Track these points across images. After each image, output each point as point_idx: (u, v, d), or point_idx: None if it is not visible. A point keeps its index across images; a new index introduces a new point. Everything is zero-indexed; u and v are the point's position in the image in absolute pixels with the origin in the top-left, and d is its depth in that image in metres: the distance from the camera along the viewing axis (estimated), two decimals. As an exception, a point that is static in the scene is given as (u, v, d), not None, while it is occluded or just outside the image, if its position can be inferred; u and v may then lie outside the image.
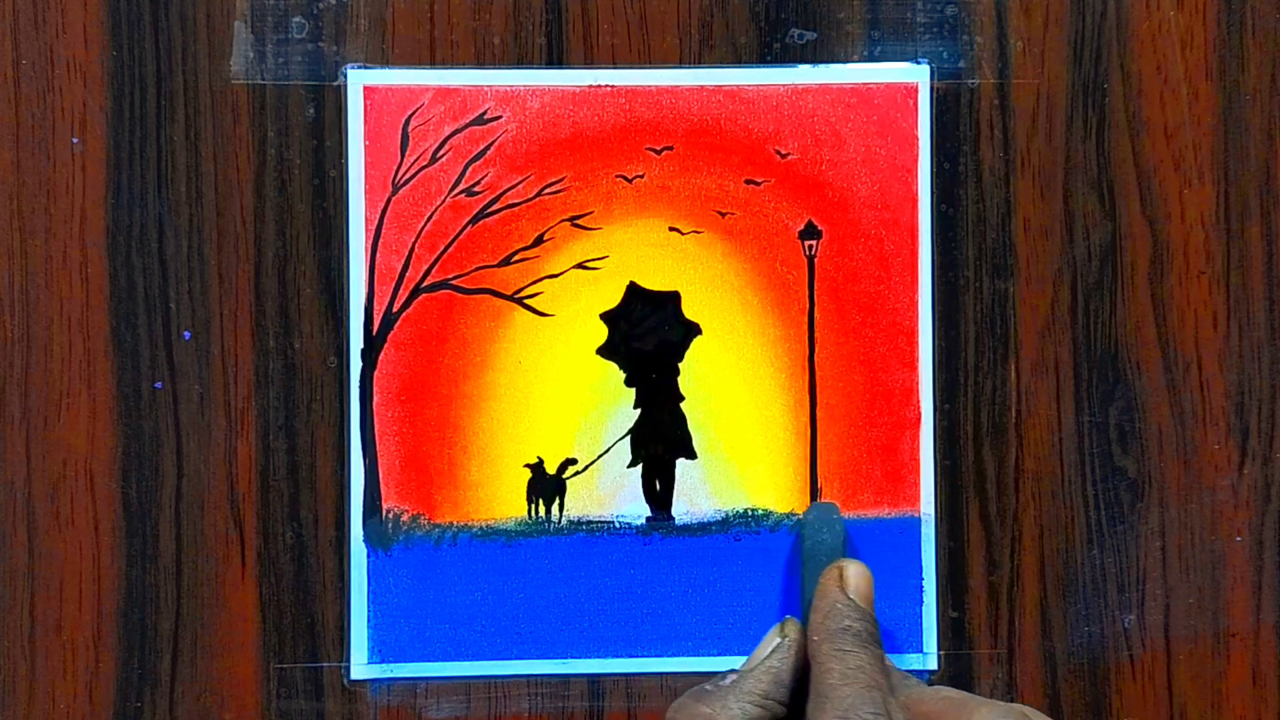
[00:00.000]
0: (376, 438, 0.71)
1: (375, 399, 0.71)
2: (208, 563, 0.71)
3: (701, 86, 0.71)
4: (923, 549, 0.71)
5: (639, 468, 0.71)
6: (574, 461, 0.71)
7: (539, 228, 0.71)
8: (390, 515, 0.71)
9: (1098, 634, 0.72)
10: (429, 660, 0.71)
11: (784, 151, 0.71)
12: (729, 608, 0.71)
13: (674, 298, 0.71)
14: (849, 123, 0.71)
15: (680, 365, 0.71)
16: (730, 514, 0.71)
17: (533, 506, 0.71)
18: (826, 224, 0.71)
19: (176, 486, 0.71)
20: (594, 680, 0.71)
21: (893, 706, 0.64)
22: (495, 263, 0.71)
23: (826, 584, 0.67)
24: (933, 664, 0.71)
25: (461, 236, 0.71)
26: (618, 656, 0.71)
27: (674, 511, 0.71)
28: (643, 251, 0.71)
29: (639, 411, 0.71)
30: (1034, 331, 0.72)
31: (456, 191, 0.71)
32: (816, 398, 0.71)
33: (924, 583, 0.71)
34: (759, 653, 0.67)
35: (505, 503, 0.71)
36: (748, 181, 0.71)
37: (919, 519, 0.71)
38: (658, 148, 0.71)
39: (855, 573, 0.67)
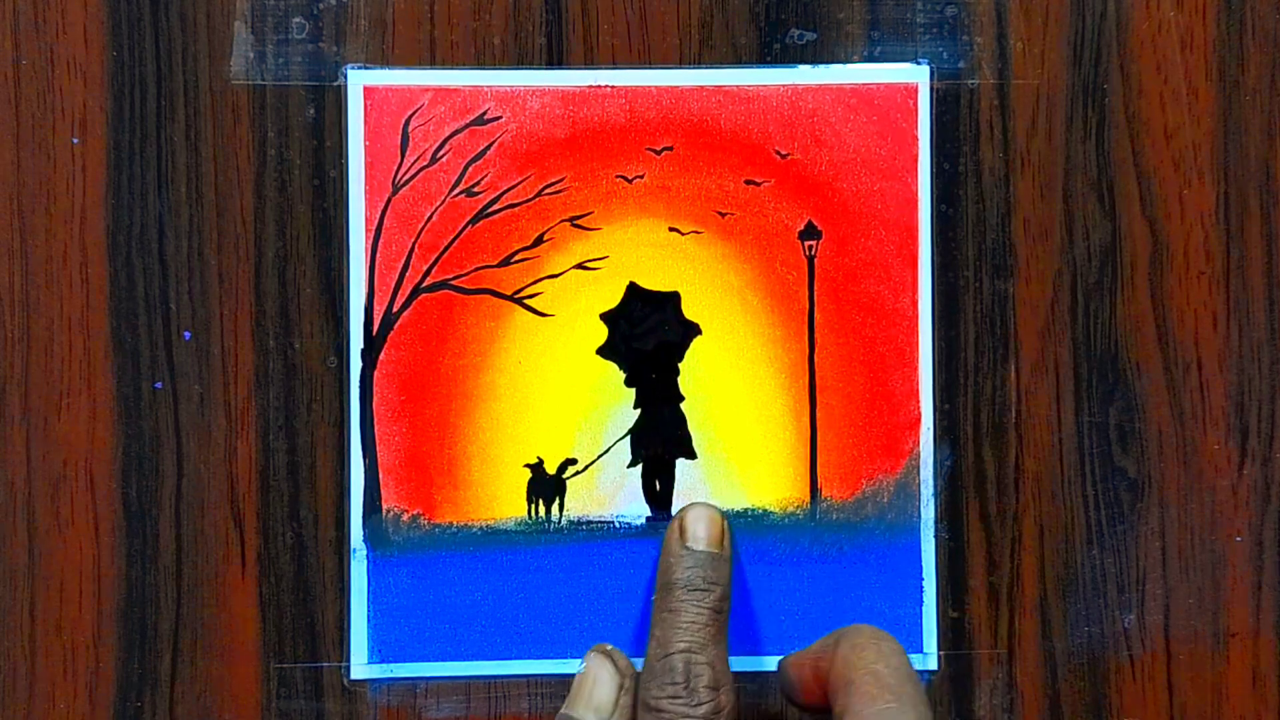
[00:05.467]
0: (376, 438, 0.71)
1: (375, 399, 0.71)
2: (208, 562, 0.71)
3: (701, 86, 0.71)
4: (923, 549, 0.71)
5: (639, 468, 0.71)
6: (574, 461, 0.71)
7: (539, 228, 0.71)
8: (390, 515, 0.71)
9: (1098, 634, 0.72)
10: (429, 660, 0.71)
11: (784, 151, 0.71)
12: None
13: (674, 298, 0.71)
14: (849, 123, 0.71)
15: (680, 365, 0.71)
16: (730, 514, 0.71)
17: (533, 506, 0.71)
18: (826, 224, 0.71)
19: (176, 486, 0.71)
20: (594, 680, 0.71)
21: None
22: (495, 263, 0.71)
23: (668, 537, 0.67)
24: (933, 664, 0.71)
25: (461, 237, 0.71)
26: (618, 656, 0.71)
27: (674, 511, 0.71)
28: (643, 251, 0.71)
29: (639, 411, 0.71)
30: (1034, 331, 0.72)
31: (456, 192, 0.71)
32: (816, 398, 0.71)
33: (924, 583, 0.71)
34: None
35: (505, 503, 0.71)
36: (748, 181, 0.71)
37: (919, 519, 0.71)
38: (658, 148, 0.71)
39: (693, 516, 0.67)
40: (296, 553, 0.71)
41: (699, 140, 0.71)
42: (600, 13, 0.71)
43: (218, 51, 0.71)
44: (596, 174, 0.71)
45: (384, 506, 0.71)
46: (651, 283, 0.71)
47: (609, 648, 0.68)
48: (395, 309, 0.71)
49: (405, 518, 0.71)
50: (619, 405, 0.71)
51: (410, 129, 0.71)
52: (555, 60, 0.71)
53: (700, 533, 0.67)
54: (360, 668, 0.71)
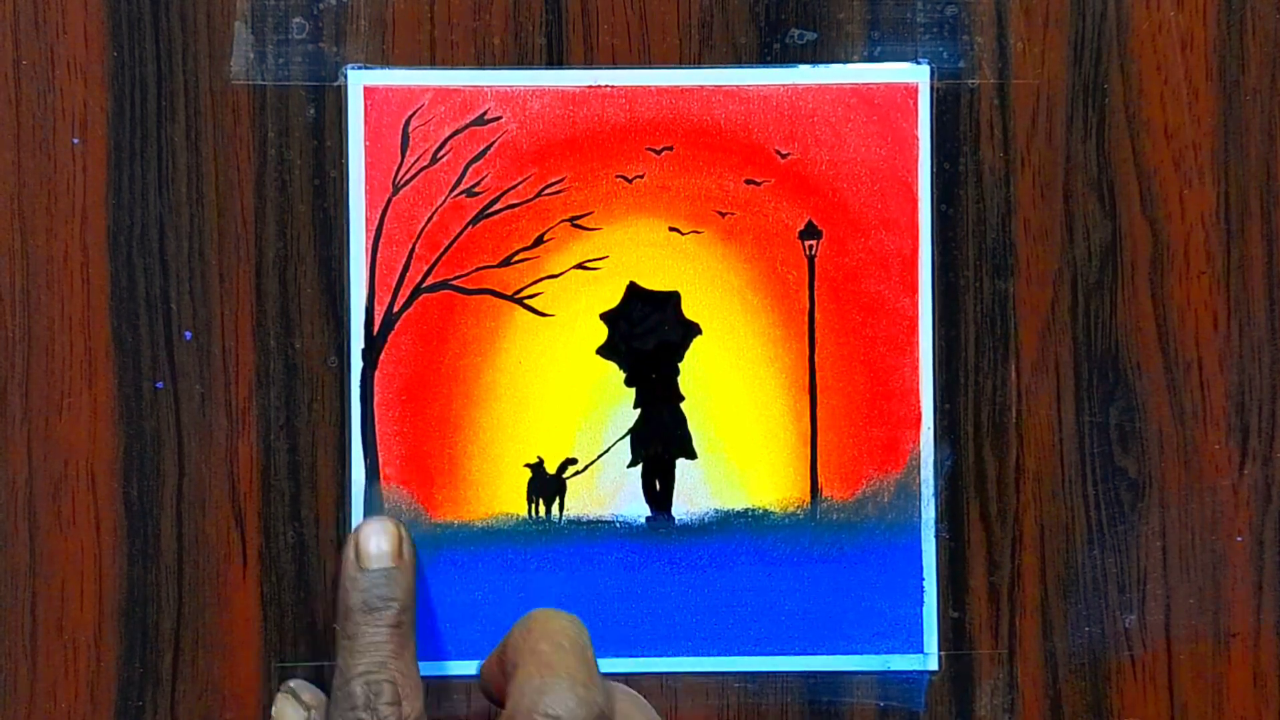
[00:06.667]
0: (377, 437, 0.71)
1: (376, 399, 0.71)
2: (209, 562, 0.71)
3: (701, 86, 0.71)
4: (923, 549, 0.71)
5: (639, 468, 0.71)
6: (574, 461, 0.71)
7: (539, 228, 0.71)
8: (390, 514, 0.71)
9: (1098, 634, 0.72)
10: (429, 660, 0.71)
11: (784, 151, 0.71)
12: (729, 608, 0.71)
13: (674, 298, 0.71)
14: (849, 123, 0.71)
15: (680, 365, 0.72)
16: (730, 514, 0.71)
17: (533, 506, 0.71)
18: (826, 224, 0.71)
19: (178, 486, 0.71)
20: (594, 680, 0.71)
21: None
22: (496, 263, 0.71)
23: (343, 560, 0.67)
24: (933, 664, 0.71)
25: (462, 237, 0.71)
26: (618, 656, 0.71)
27: (674, 511, 0.71)
28: (643, 251, 0.71)
29: (639, 411, 0.72)
30: (1034, 331, 0.71)
31: (457, 192, 0.71)
32: (816, 398, 0.71)
33: (924, 583, 0.71)
34: None
35: (505, 502, 0.71)
36: (748, 181, 0.71)
37: (919, 519, 0.71)
38: (658, 148, 0.71)
39: (365, 534, 0.67)
40: (298, 552, 0.71)
41: (699, 140, 0.71)
42: (600, 13, 0.71)
43: (218, 51, 0.71)
44: (596, 174, 0.71)
45: (384, 506, 0.71)
46: (651, 283, 0.71)
47: (293, 684, 0.68)
48: (396, 309, 0.71)
49: (405, 517, 0.71)
50: (619, 405, 0.71)
51: (410, 129, 0.71)
52: (555, 60, 0.71)
53: (373, 549, 0.67)
54: (361, 667, 0.71)
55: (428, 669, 0.71)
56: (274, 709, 0.68)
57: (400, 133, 0.71)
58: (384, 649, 0.64)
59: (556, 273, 0.71)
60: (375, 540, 0.67)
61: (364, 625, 0.65)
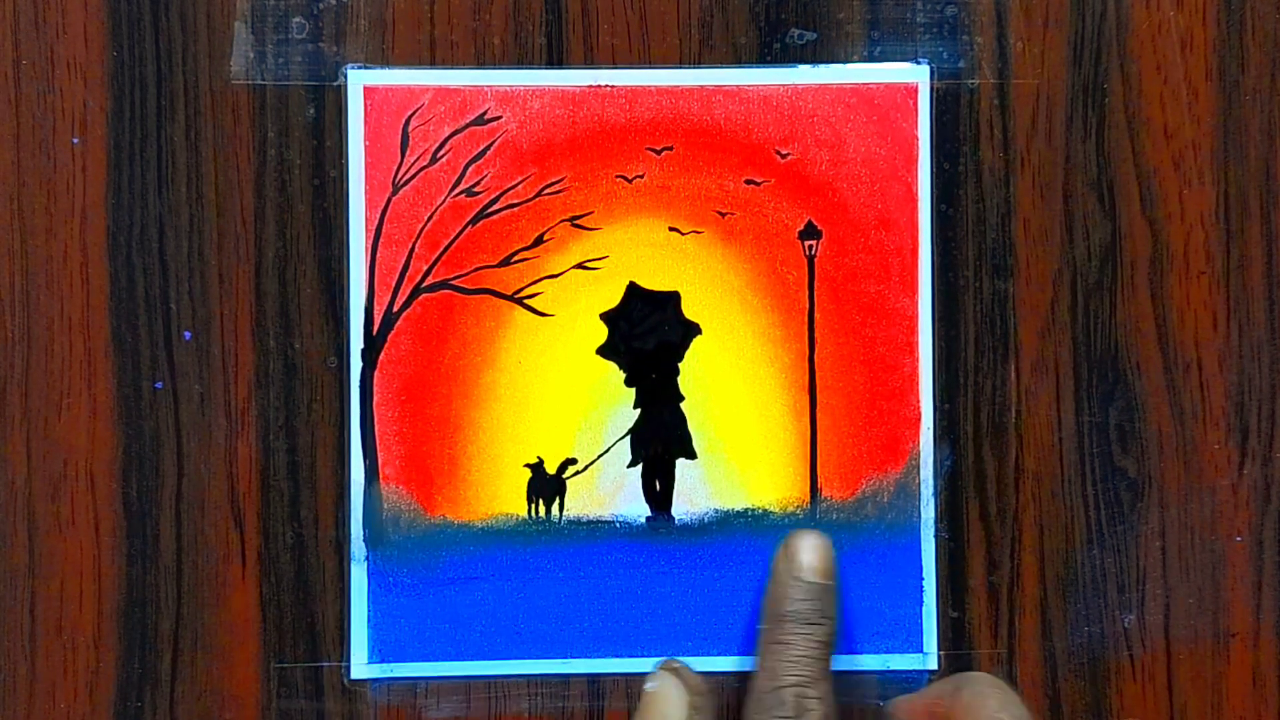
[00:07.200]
0: (377, 438, 0.71)
1: (375, 399, 0.71)
2: (208, 562, 0.71)
3: (701, 86, 0.71)
4: (923, 549, 0.71)
5: (639, 468, 0.71)
6: (574, 461, 0.71)
7: (539, 228, 0.71)
8: (390, 515, 0.71)
9: (1098, 634, 0.72)
10: (429, 660, 0.71)
11: (784, 151, 0.71)
12: (729, 607, 0.71)
13: (674, 298, 0.71)
14: (849, 123, 0.71)
15: (680, 365, 0.72)
16: (730, 514, 0.71)
17: (533, 506, 0.71)
18: (826, 224, 0.71)
19: (177, 486, 0.71)
20: (594, 680, 0.71)
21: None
22: (495, 263, 0.71)
23: (776, 565, 0.67)
24: (933, 664, 0.71)
25: (462, 237, 0.71)
26: (618, 656, 0.71)
27: (674, 511, 0.71)
28: (643, 251, 0.71)
29: (639, 411, 0.72)
30: (1034, 331, 0.72)
31: (457, 192, 0.71)
32: (816, 398, 0.71)
33: (924, 583, 0.71)
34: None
35: (505, 502, 0.71)
36: (748, 181, 0.71)
37: (919, 519, 0.71)
38: (658, 148, 0.71)
39: (804, 546, 0.67)
40: (297, 552, 0.71)
41: (699, 140, 0.71)
42: (600, 13, 0.71)
43: (218, 51, 0.71)
44: (596, 174, 0.71)
45: (384, 506, 0.71)
46: (651, 283, 0.71)
47: (677, 664, 0.68)
48: (395, 309, 0.71)
49: (405, 517, 0.71)
50: (619, 405, 0.71)
51: (410, 129, 0.71)
52: (555, 60, 0.71)
53: (815, 562, 0.67)
54: (360, 667, 0.71)
55: (428, 670, 0.71)
56: (655, 683, 0.67)
57: (400, 133, 0.71)
58: (816, 665, 0.65)
59: (556, 273, 0.71)
60: (818, 554, 0.67)
61: (800, 635, 0.65)
